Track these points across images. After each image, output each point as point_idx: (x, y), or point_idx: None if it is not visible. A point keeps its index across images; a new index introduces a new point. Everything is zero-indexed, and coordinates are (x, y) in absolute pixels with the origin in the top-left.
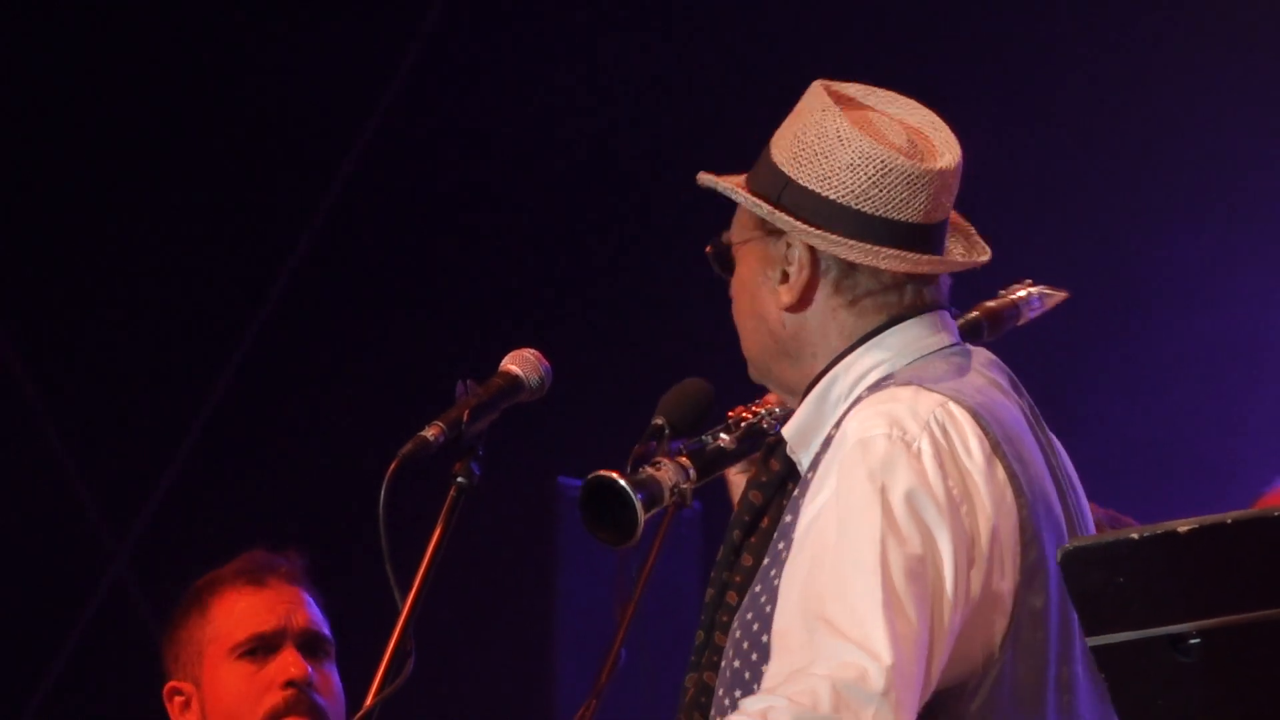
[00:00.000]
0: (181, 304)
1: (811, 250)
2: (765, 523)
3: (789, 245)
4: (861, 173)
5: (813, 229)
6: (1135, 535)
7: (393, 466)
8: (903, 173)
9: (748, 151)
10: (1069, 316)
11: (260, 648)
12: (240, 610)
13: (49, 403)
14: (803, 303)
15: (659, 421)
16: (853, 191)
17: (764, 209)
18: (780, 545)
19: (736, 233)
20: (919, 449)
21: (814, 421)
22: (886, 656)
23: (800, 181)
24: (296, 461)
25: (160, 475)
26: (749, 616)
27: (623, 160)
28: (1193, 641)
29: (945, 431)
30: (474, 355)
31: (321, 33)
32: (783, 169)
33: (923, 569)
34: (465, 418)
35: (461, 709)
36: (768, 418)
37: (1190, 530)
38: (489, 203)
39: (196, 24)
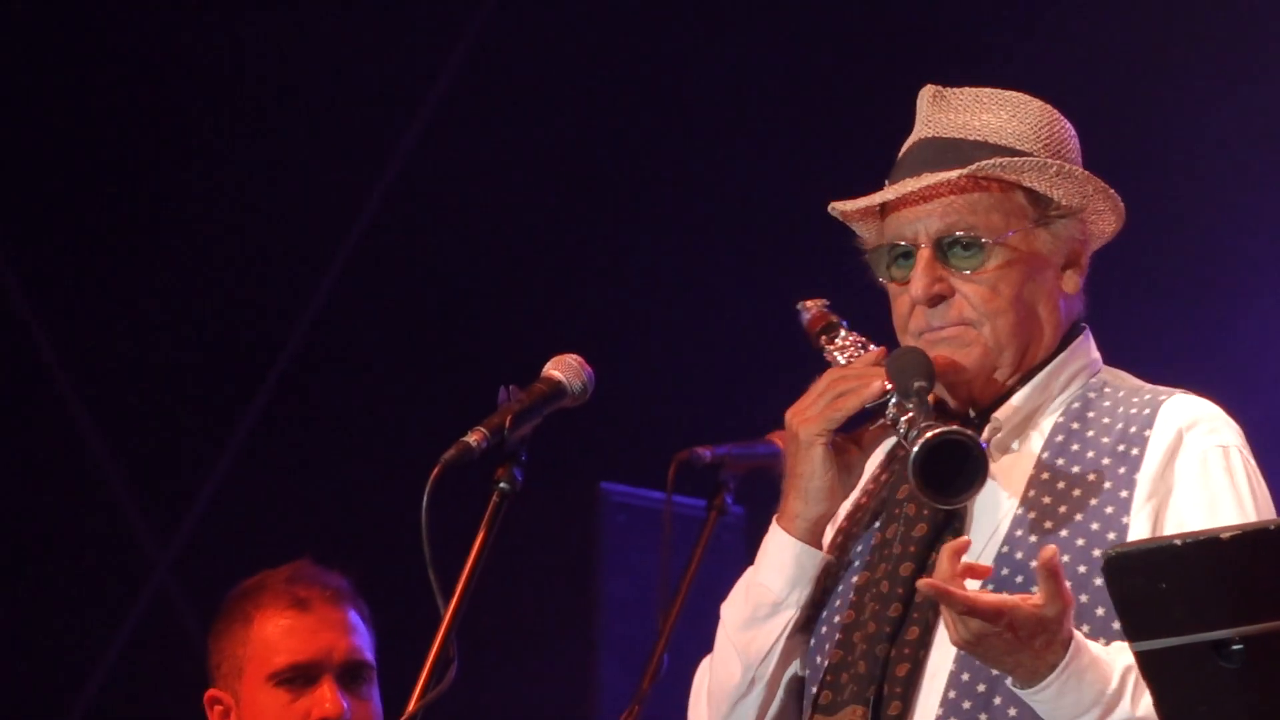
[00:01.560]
0: (224, 312)
1: (1089, 231)
2: None
3: (1075, 227)
4: (1078, 151)
5: (1110, 201)
6: (1178, 542)
7: (435, 472)
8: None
9: (778, 151)
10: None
11: (298, 678)
12: (282, 634)
13: (92, 412)
14: (1078, 288)
15: (924, 384)
16: (1081, 162)
17: (1099, 185)
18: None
19: (991, 225)
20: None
21: (1036, 405)
22: None
23: (1056, 164)
24: (339, 468)
25: (203, 484)
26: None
27: (666, 169)
28: (1235, 647)
29: None
30: (518, 360)
31: (362, 43)
32: (1030, 152)
33: None
34: (508, 423)
35: (504, 715)
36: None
37: (1233, 536)
38: (534, 210)
39: (238, 35)
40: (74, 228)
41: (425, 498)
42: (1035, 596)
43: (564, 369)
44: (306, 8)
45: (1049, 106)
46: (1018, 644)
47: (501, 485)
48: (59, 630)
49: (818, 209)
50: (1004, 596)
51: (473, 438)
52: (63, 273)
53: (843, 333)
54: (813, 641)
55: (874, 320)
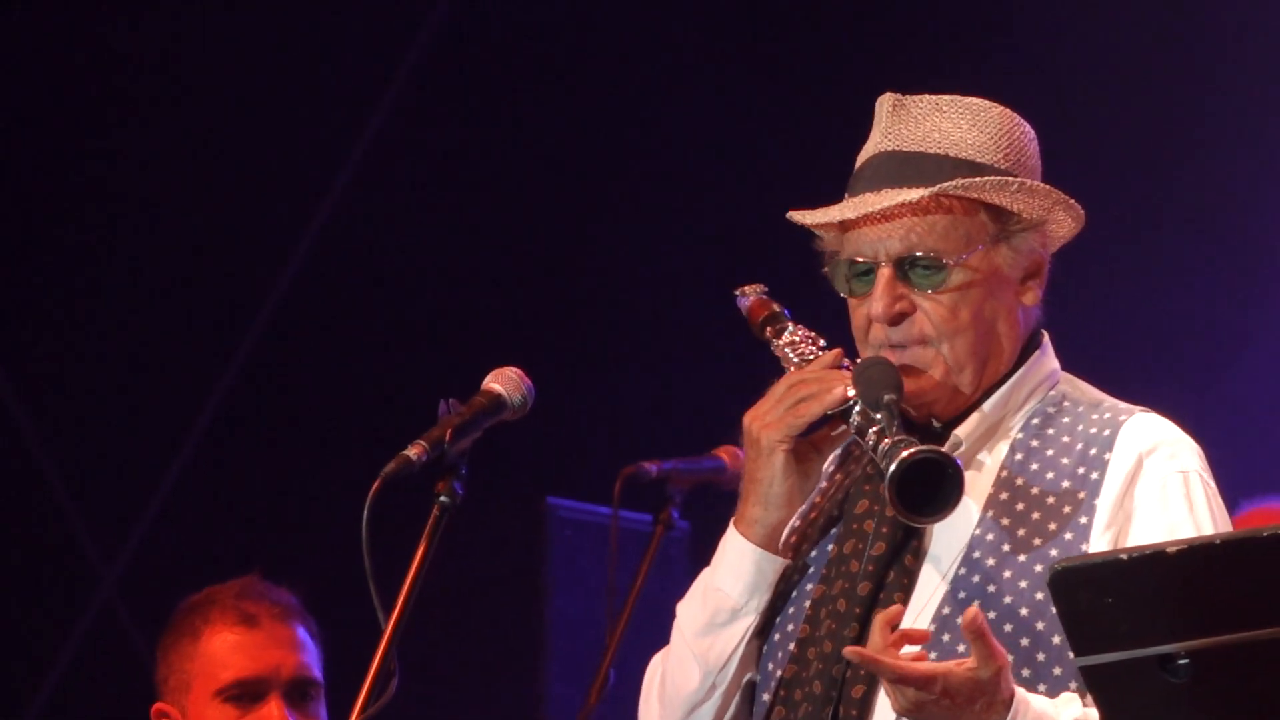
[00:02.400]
0: (170, 328)
1: (1048, 241)
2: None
3: (1035, 239)
4: (1038, 160)
5: (1071, 211)
6: (1124, 556)
7: (375, 486)
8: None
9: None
10: None
11: (245, 694)
12: (229, 650)
13: (38, 424)
14: (1038, 299)
15: (893, 396)
16: (1039, 176)
17: (1058, 197)
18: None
19: (952, 246)
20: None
21: (997, 419)
22: None
23: (1015, 173)
24: (283, 483)
25: (149, 499)
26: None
27: (615, 182)
28: (1181, 662)
29: None
30: (459, 374)
31: (316, 41)
32: (991, 164)
33: None
34: (448, 437)
35: None
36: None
37: (1179, 551)
38: (477, 223)
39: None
40: (16, 235)
41: (365, 511)
42: (969, 660)
43: (504, 382)
44: (257, 9)
45: (1009, 112)
46: (956, 709)
47: (442, 499)
48: (4, 645)
49: (775, 221)
50: (935, 664)
51: (413, 451)
52: (5, 282)
53: (790, 326)
54: (765, 648)
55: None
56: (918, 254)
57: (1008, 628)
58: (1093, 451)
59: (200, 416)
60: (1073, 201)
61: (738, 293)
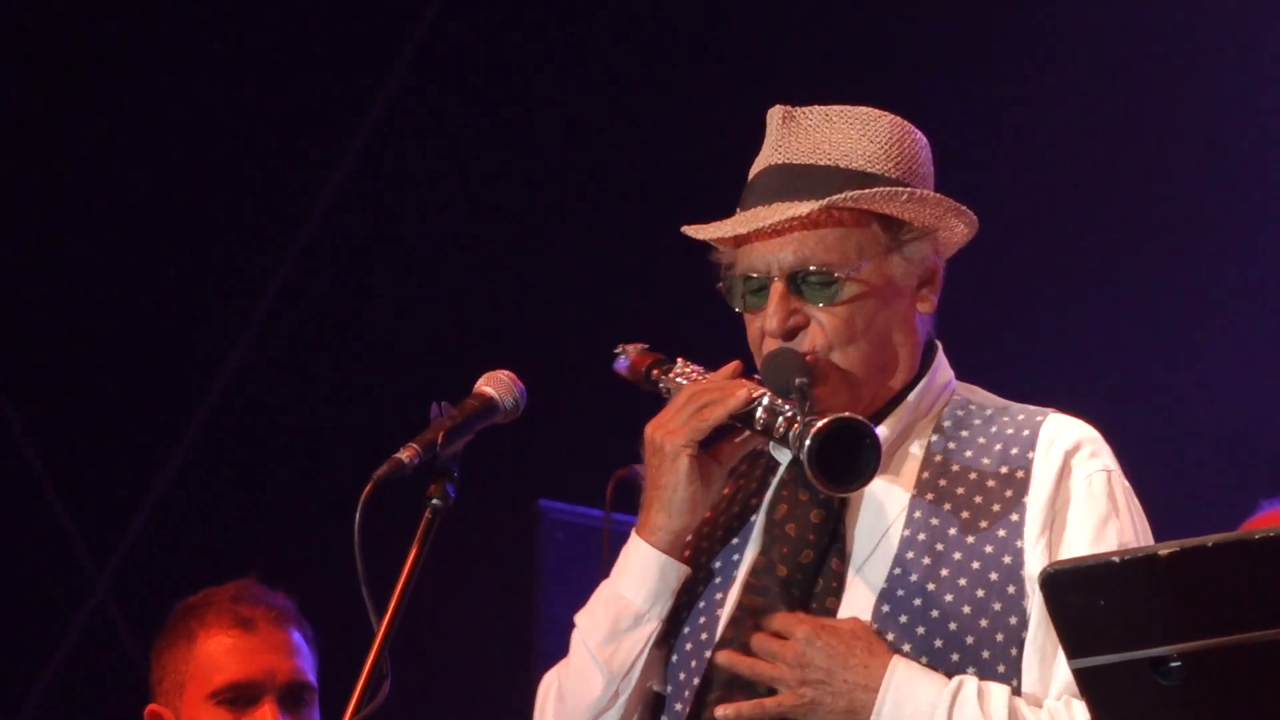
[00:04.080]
0: (163, 330)
1: (941, 246)
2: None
3: (928, 247)
4: (930, 158)
5: (963, 217)
6: (1116, 559)
7: (367, 489)
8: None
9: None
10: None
11: (239, 698)
12: (224, 653)
13: (30, 429)
14: (933, 305)
15: (804, 380)
16: (932, 184)
17: (949, 204)
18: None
19: (844, 258)
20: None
21: (908, 424)
22: None
23: (908, 182)
24: (276, 486)
25: (141, 502)
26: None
27: (605, 183)
28: (1173, 664)
29: None
30: (451, 377)
31: (295, 63)
32: (882, 174)
33: None
34: (440, 440)
35: None
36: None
37: (1171, 553)
38: (469, 225)
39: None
40: (4, 239)
41: (357, 514)
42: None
43: (495, 385)
44: (231, 35)
45: (900, 121)
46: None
47: (434, 501)
48: None
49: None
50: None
51: (405, 454)
52: None
53: (679, 362)
54: (674, 657)
55: None
56: (810, 268)
57: (952, 625)
58: (1014, 451)
59: (193, 418)
60: (964, 208)
61: (617, 351)
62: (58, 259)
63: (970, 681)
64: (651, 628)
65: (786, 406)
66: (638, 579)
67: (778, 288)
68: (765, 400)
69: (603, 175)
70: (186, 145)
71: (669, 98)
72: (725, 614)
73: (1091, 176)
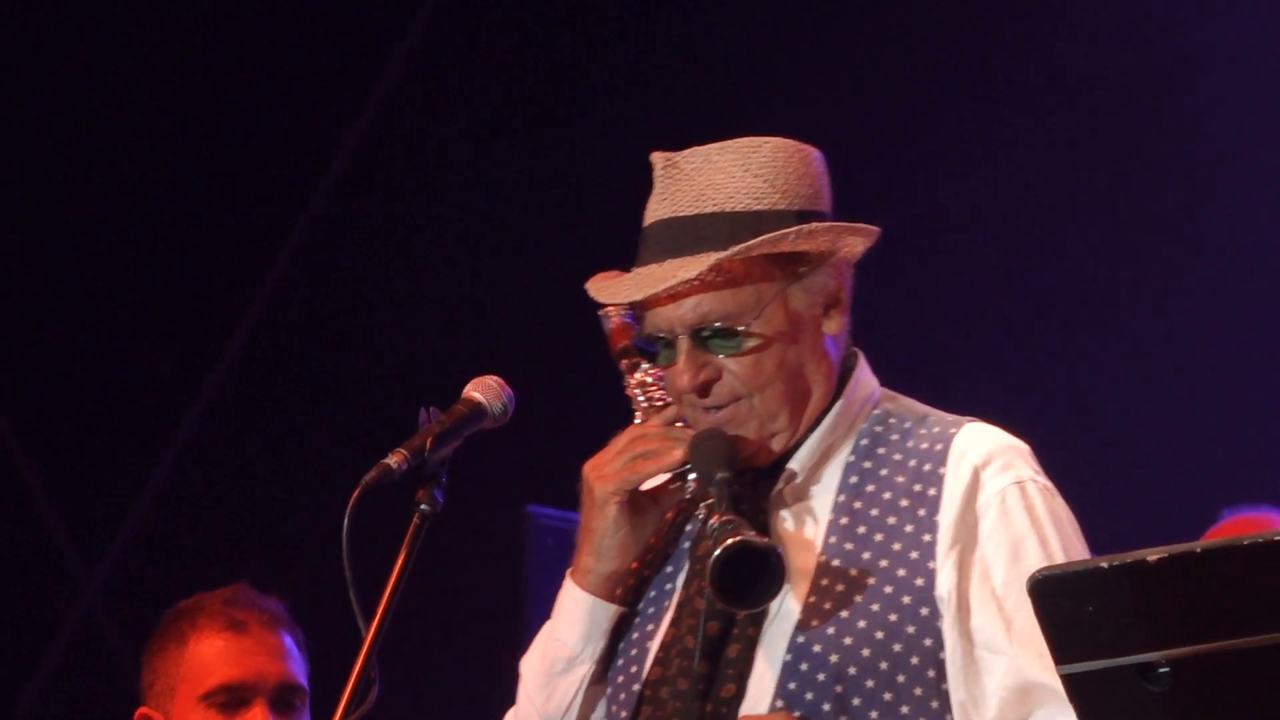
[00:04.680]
0: (151, 334)
1: (842, 264)
2: None
3: (828, 271)
4: (824, 174)
5: (858, 234)
6: (1104, 564)
7: (355, 494)
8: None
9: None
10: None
11: (230, 700)
12: (216, 655)
13: (19, 433)
14: (845, 324)
15: (726, 474)
16: (827, 199)
17: (842, 228)
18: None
19: (744, 307)
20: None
21: (827, 446)
22: None
23: (798, 208)
24: (265, 491)
25: (131, 506)
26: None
27: (597, 190)
28: (1162, 671)
29: None
30: (440, 382)
31: (284, 74)
32: (770, 209)
33: None
34: (428, 445)
35: None
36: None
37: (1160, 559)
38: (458, 231)
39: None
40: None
41: (346, 520)
42: None
43: (484, 390)
44: (219, 52)
45: (784, 143)
46: None
47: (422, 507)
48: None
49: None
50: None
51: (393, 459)
52: None
53: (644, 365)
54: (609, 691)
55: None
56: (711, 323)
57: (865, 652)
58: (926, 467)
59: (183, 423)
60: (859, 225)
61: (601, 314)
62: (45, 264)
63: None
64: (584, 670)
65: (711, 492)
66: (569, 621)
67: (683, 345)
68: (694, 472)
69: (594, 182)
70: (174, 153)
71: (658, 109)
72: (653, 651)
73: (1058, 174)
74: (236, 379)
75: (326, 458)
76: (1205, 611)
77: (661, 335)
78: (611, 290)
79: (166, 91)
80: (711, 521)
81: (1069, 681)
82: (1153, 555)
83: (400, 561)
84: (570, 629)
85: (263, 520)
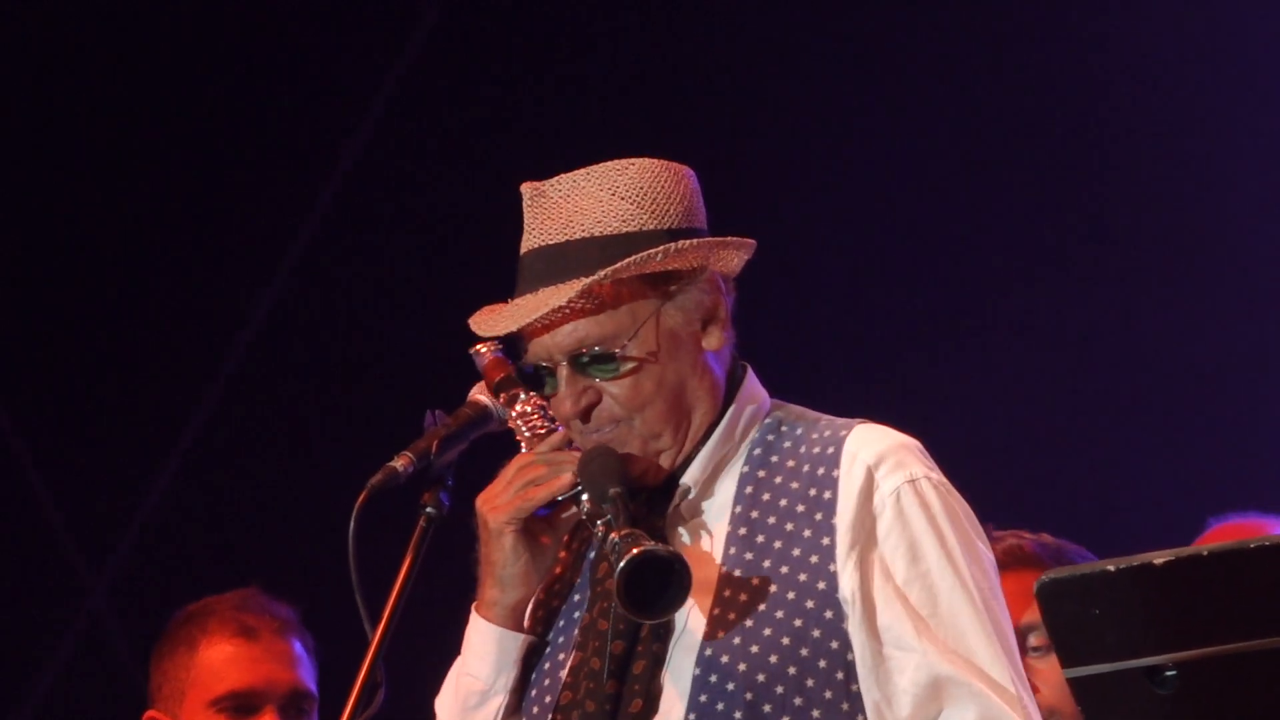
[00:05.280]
0: (159, 335)
1: (718, 278)
2: None
3: (703, 287)
4: (696, 191)
5: (730, 248)
6: (1111, 567)
7: (361, 497)
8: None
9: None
10: None
11: (240, 707)
12: (226, 661)
13: (22, 432)
14: (725, 338)
15: (619, 489)
16: (700, 212)
17: (712, 243)
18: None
19: (617, 330)
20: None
21: (719, 458)
22: None
23: (669, 226)
24: (270, 494)
25: (137, 509)
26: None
27: None
28: (1168, 674)
29: None
30: (445, 386)
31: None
32: (639, 230)
33: None
34: (434, 448)
35: None
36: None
37: (1166, 562)
38: (466, 233)
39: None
40: (3, 241)
41: (351, 523)
42: None
43: (490, 393)
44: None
45: (651, 164)
46: None
47: (428, 510)
48: None
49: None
50: None
51: (399, 463)
52: None
53: (522, 395)
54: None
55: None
56: (587, 349)
57: (773, 658)
58: (820, 471)
59: (188, 426)
60: (730, 239)
61: (472, 351)
62: (51, 262)
63: None
64: (499, 701)
65: (605, 509)
66: (479, 655)
67: (563, 373)
68: (586, 491)
69: None
70: (177, 156)
71: (667, 108)
72: (564, 676)
73: (1048, 161)
74: (243, 382)
75: (333, 461)
76: (1212, 614)
77: (543, 365)
78: (490, 324)
79: (172, 94)
80: (612, 537)
81: (1076, 685)
82: (1159, 558)
83: (406, 565)
84: (480, 663)
85: (268, 523)
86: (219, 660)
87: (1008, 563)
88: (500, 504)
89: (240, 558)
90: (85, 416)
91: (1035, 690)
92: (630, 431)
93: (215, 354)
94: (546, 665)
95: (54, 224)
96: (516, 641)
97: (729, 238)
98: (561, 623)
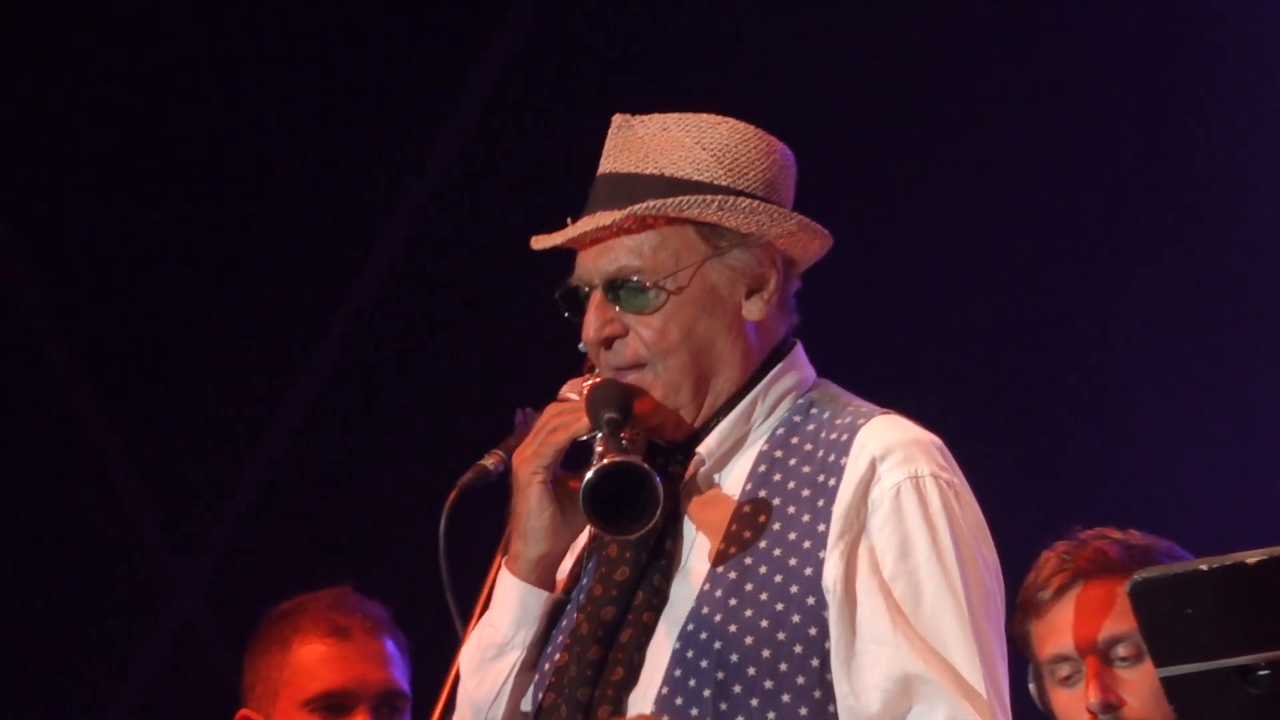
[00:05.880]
0: (249, 331)
1: (778, 253)
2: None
3: (755, 254)
4: (788, 170)
5: (798, 227)
6: (1204, 567)
7: (452, 496)
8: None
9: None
10: None
11: (333, 706)
12: (319, 661)
13: (112, 430)
14: (770, 313)
15: (614, 415)
16: (786, 191)
17: (774, 212)
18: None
19: (658, 266)
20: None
21: (740, 435)
22: None
23: (743, 189)
24: (364, 490)
25: (229, 506)
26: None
27: None
28: (1261, 673)
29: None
30: (538, 383)
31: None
32: (709, 182)
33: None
34: None
35: None
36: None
37: (1259, 562)
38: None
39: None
40: (96, 238)
41: (443, 521)
42: None
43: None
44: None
45: (746, 128)
46: None
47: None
48: (81, 656)
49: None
50: None
51: (490, 461)
52: (85, 287)
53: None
54: (535, 680)
55: None
56: (624, 277)
57: (749, 639)
58: (831, 458)
59: (280, 423)
60: (799, 217)
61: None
62: (141, 256)
63: None
64: (515, 656)
65: (599, 441)
66: (502, 608)
67: (595, 296)
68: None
69: None
70: (267, 143)
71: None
72: (566, 638)
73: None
74: (335, 378)
75: (425, 459)
76: None
77: (581, 286)
78: (546, 239)
79: (261, 85)
80: (597, 449)
81: (1168, 684)
82: (1252, 557)
83: (497, 563)
84: (503, 615)
85: (359, 521)
86: (311, 660)
87: (1091, 570)
88: (527, 454)
89: (332, 556)
90: (176, 413)
91: (1122, 703)
92: (655, 379)
93: (308, 349)
94: (564, 624)
95: (144, 217)
96: (539, 598)
97: (798, 215)
98: (584, 581)
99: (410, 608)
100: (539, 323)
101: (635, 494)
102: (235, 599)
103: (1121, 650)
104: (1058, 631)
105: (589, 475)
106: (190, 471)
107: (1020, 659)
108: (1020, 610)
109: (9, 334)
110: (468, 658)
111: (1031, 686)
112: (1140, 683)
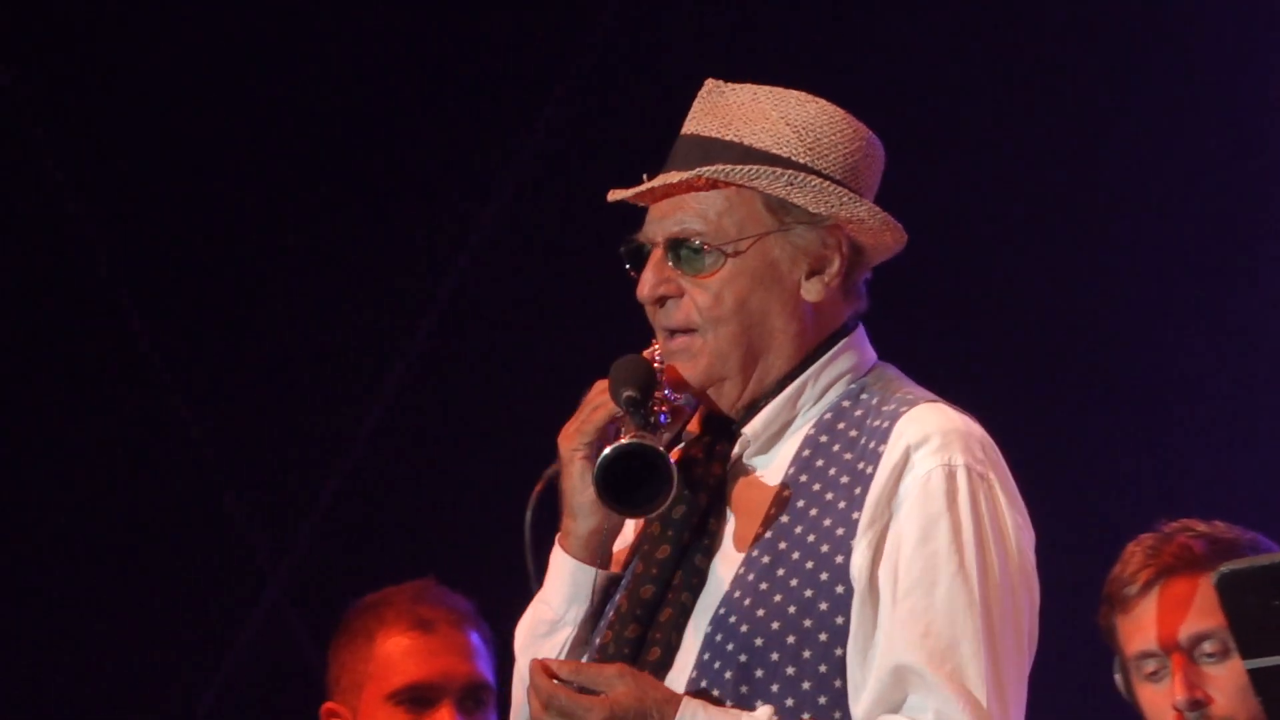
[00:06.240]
0: (341, 324)
1: (845, 238)
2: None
3: (821, 235)
4: (874, 160)
5: (871, 215)
6: None
7: (538, 487)
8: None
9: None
10: None
11: (418, 699)
12: (403, 654)
13: (205, 424)
14: (829, 296)
15: (633, 393)
16: (868, 180)
17: (845, 195)
18: (789, 551)
19: (721, 232)
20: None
21: (787, 418)
22: None
23: (823, 170)
24: (451, 483)
25: (317, 498)
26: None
27: None
28: None
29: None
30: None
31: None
32: (788, 158)
33: None
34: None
35: None
36: (688, 401)
37: None
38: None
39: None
40: (184, 240)
41: (528, 513)
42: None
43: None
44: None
45: (837, 111)
46: None
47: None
48: (172, 646)
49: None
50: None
51: None
52: (175, 282)
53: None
54: (585, 657)
55: None
56: (685, 238)
57: (775, 625)
58: (871, 445)
59: (368, 416)
60: (865, 201)
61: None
62: (234, 250)
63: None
64: (567, 633)
65: (619, 420)
66: (555, 585)
67: (655, 254)
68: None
69: None
70: (357, 149)
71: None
72: (613, 616)
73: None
74: (421, 371)
75: (511, 451)
76: None
77: (645, 242)
78: (615, 192)
79: (355, 81)
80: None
81: (1255, 676)
82: None
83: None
84: (555, 592)
85: (445, 513)
86: (395, 653)
87: (1176, 566)
88: (570, 432)
89: (417, 548)
90: (267, 406)
91: (1209, 700)
92: (703, 345)
93: (395, 343)
94: (616, 600)
95: (243, 219)
96: (589, 574)
97: (870, 203)
98: (634, 561)
99: (495, 600)
100: (624, 318)
101: (650, 474)
102: (324, 591)
103: (1208, 647)
104: (1143, 628)
105: (602, 455)
106: (281, 464)
107: (1105, 649)
108: (1105, 604)
109: (111, 341)
110: (521, 634)
111: (1117, 678)
112: (1227, 679)
